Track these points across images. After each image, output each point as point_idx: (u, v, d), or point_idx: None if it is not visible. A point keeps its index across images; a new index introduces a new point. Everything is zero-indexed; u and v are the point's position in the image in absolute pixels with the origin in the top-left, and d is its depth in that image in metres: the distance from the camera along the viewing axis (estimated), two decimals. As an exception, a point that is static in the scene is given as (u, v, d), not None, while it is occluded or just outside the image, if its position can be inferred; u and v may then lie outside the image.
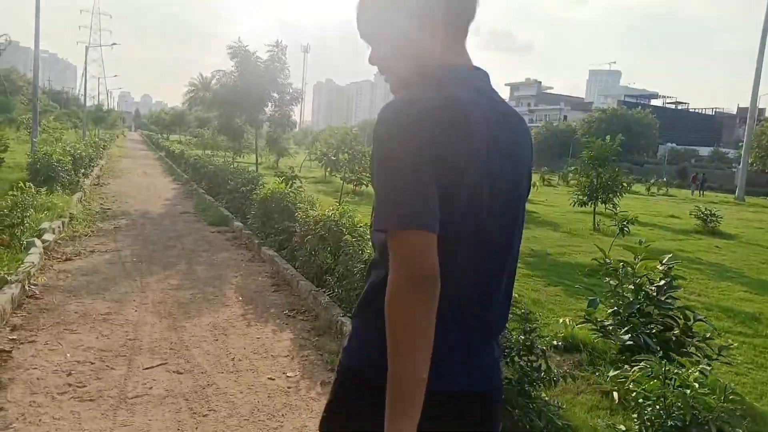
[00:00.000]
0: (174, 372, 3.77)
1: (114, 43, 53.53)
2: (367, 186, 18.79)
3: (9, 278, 4.75)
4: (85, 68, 36.56)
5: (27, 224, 6.15)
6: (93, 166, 16.42)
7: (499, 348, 1.32)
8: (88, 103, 59.39)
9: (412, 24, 1.22)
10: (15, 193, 6.05)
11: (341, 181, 19.47)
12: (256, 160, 19.62)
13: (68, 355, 3.90)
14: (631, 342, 3.80)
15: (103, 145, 24.56)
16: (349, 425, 1.23)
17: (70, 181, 11.34)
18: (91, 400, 3.30)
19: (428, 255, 1.06)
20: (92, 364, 3.79)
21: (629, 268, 4.18)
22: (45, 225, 7.08)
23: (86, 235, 7.97)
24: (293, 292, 5.80)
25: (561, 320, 4.32)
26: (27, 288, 5.04)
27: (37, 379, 3.52)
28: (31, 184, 6.53)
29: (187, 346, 4.24)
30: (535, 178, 19.38)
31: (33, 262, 5.56)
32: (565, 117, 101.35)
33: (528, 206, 15.56)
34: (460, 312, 1.19)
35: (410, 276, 1.05)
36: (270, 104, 18.47)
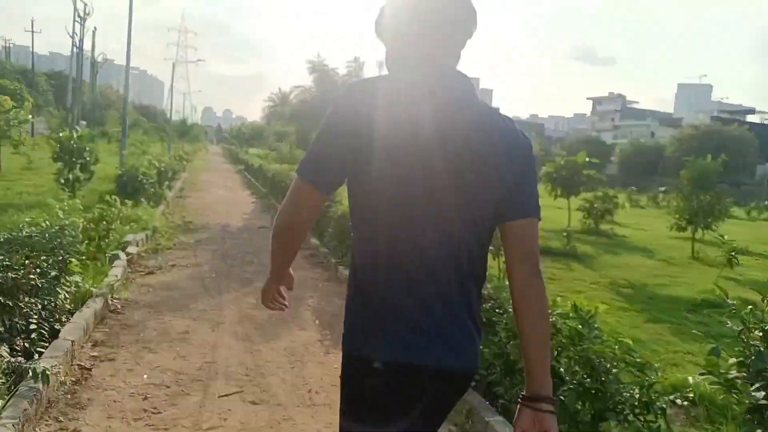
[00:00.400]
0: (249, 402, 3.59)
1: (199, 59, 56.27)
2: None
3: (94, 291, 4.77)
4: (172, 84, 38.47)
5: (112, 237, 6.25)
6: (176, 179, 17.03)
7: (465, 326, 1.39)
8: (174, 117, 62.51)
9: (411, 37, 1.43)
10: (102, 206, 6.17)
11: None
12: (332, 175, 19.70)
13: (145, 376, 3.81)
14: (765, 401, 3.26)
15: (187, 159, 25.56)
16: (363, 408, 1.39)
17: (154, 194, 11.70)
18: (165, 429, 3.17)
19: (302, 200, 1.38)
20: (168, 387, 3.68)
21: (758, 312, 3.64)
22: (129, 237, 7.22)
23: (168, 249, 8.09)
24: (371, 316, 5.56)
25: (692, 379, 3.81)
26: (110, 302, 5.07)
27: (114, 401, 3.43)
28: (117, 198, 6.65)
29: (263, 372, 4.06)
30: (622, 198, 18.15)
31: (116, 276, 5.61)
32: (653, 133, 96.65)
33: (618, 230, 14.59)
34: (392, 277, 1.35)
35: (284, 209, 1.41)
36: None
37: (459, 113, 1.36)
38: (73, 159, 10.33)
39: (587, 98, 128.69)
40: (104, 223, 6.04)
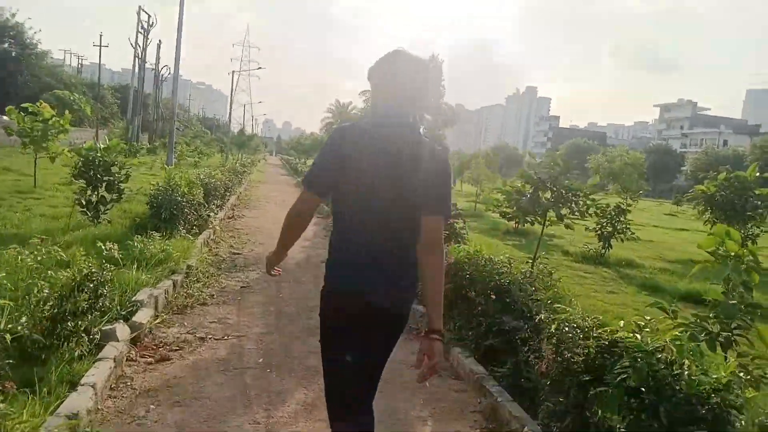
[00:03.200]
0: None
1: (260, 67, 55.16)
2: (533, 224, 15.62)
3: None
4: (232, 93, 37.14)
5: (102, 305, 3.92)
6: (229, 196, 14.92)
7: (393, 275, 2.19)
8: (237, 129, 61.82)
9: (388, 92, 2.27)
10: (88, 260, 3.82)
11: (499, 217, 16.48)
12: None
13: None
14: None
15: (243, 171, 23.63)
16: (330, 321, 2.28)
17: (199, 217, 9.51)
18: None
19: (306, 203, 2.21)
20: None
21: None
22: (143, 295, 4.90)
23: (202, 303, 5.75)
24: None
25: None
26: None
27: None
28: (113, 246, 4.31)
29: None
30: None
31: (93, 384, 3.25)
32: (725, 142, 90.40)
33: None
34: (351, 243, 2.20)
35: (294, 207, 2.23)
36: (421, 127, 16.06)
37: (400, 147, 2.16)
38: (98, 176, 8.24)
39: (654, 105, 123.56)
40: (88, 287, 3.70)
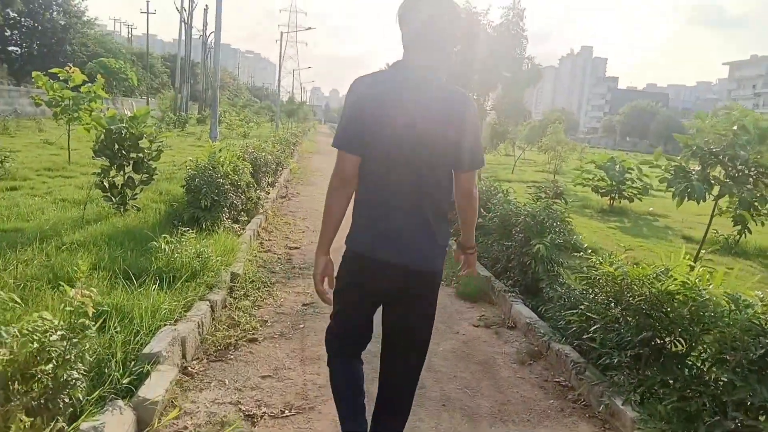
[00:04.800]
0: None
1: (309, 28, 52.91)
2: (632, 201, 13.38)
3: None
4: (281, 55, 35.35)
5: (71, 398, 2.21)
6: (281, 170, 13.24)
7: (428, 238, 2.12)
8: (284, 97, 60.30)
9: (418, 43, 2.09)
10: (40, 324, 2.09)
11: (590, 191, 14.28)
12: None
13: None
14: None
15: (295, 141, 21.93)
16: (348, 284, 2.24)
17: (247, 200, 7.83)
18: None
19: (346, 164, 2.07)
20: None
21: None
22: (161, 342, 3.18)
23: (251, 339, 4.04)
24: None
25: None
26: None
27: None
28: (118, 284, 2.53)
29: None
30: None
31: None
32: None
33: None
34: (380, 204, 2.10)
35: (335, 173, 2.10)
36: (500, 86, 13.84)
37: (431, 98, 2.04)
38: (123, 152, 6.62)
39: (723, 63, 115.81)
40: (48, 368, 2.00)
